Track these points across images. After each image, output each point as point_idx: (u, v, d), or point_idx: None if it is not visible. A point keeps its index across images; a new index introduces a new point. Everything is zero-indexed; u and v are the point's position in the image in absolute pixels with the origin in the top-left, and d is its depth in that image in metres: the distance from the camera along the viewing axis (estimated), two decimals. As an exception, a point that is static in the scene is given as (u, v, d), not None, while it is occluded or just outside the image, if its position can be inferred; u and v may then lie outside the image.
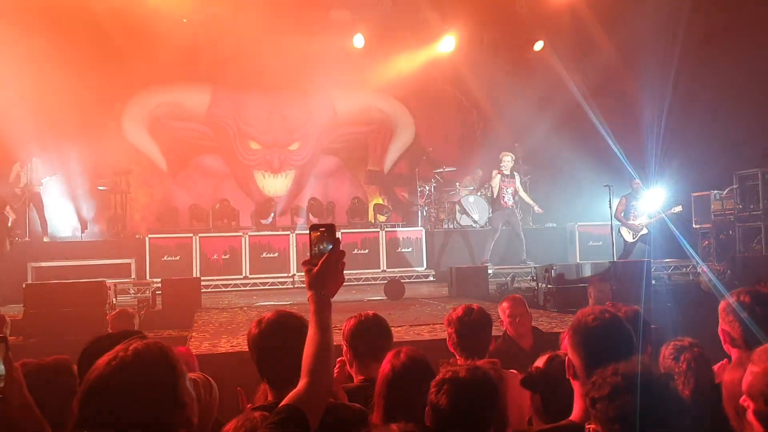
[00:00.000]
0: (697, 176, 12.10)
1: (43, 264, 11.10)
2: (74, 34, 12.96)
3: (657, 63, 12.45)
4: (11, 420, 2.12)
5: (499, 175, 12.15)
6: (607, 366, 1.95)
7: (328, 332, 1.94)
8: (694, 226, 12.05)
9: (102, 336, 2.42)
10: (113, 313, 5.78)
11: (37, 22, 12.31)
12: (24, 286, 7.72)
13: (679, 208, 11.49)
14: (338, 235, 2.05)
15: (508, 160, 12.20)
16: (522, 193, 12.57)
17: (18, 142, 12.33)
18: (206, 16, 13.95)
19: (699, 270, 10.51)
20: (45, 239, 12.12)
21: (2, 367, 2.08)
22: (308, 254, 1.99)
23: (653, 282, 9.16)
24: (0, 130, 12.43)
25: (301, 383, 1.90)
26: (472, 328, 3.51)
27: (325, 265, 1.95)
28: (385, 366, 2.59)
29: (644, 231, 11.63)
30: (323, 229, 2.00)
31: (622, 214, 11.66)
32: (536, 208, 12.70)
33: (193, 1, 13.70)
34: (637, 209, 11.62)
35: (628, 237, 11.75)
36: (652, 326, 5.07)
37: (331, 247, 1.97)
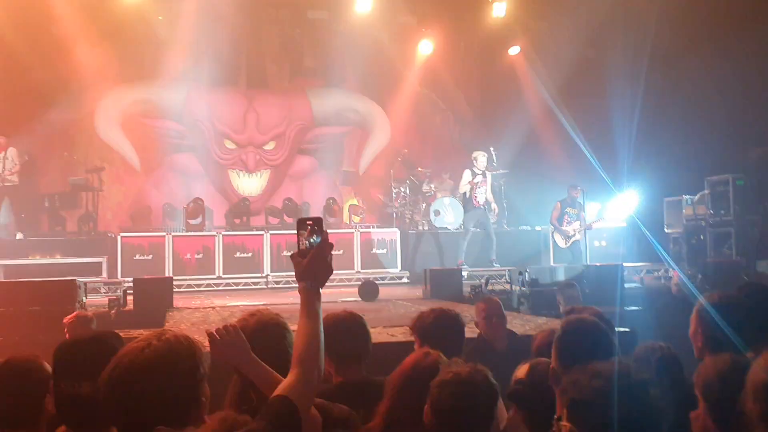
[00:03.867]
0: (670, 181, 12.26)
1: (12, 262, 10.91)
2: (47, 26, 12.77)
3: (629, 67, 12.59)
4: None
5: (468, 171, 12.14)
6: (585, 365, 1.95)
7: (317, 322, 2.01)
8: (665, 230, 12.21)
9: (80, 338, 2.39)
10: (70, 317, 5.50)
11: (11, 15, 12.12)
12: (-9, 284, 7.58)
13: (602, 221, 11.95)
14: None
15: (481, 159, 12.22)
16: (489, 194, 12.56)
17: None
18: (182, 13, 13.83)
19: (670, 274, 10.66)
20: (18, 236, 11.87)
21: None
22: (297, 247, 2.05)
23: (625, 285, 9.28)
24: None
25: (292, 374, 1.94)
26: (436, 334, 3.39)
27: (314, 257, 2.02)
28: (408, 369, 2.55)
29: (577, 237, 11.93)
30: (311, 222, 2.07)
31: (556, 220, 11.92)
32: (493, 206, 12.72)
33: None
34: (570, 216, 11.93)
35: (561, 243, 12.08)
36: (626, 329, 5.15)
37: (319, 239, 2.03)
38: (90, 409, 1.99)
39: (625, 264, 9.89)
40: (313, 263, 2.02)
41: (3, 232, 11.91)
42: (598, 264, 10.33)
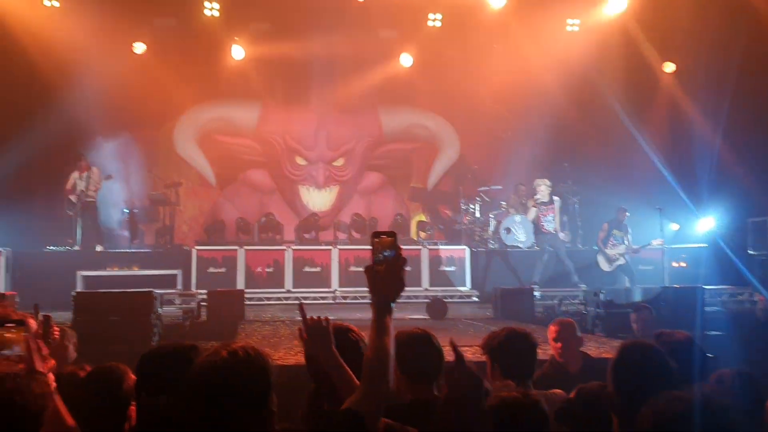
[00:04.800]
0: (754, 201, 11.73)
1: (92, 273, 11.32)
2: (128, 47, 13.33)
3: (712, 84, 12.17)
4: (29, 396, 2.19)
5: (534, 209, 12.09)
6: (654, 394, 1.90)
7: (388, 337, 1.99)
8: (750, 252, 11.66)
9: (162, 351, 2.45)
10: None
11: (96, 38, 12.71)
12: (73, 294, 7.86)
13: (659, 241, 11.59)
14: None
15: (543, 189, 12.09)
16: (557, 221, 12.35)
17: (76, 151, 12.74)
18: (257, 34, 14.20)
19: (755, 298, 10.18)
20: (98, 248, 12.34)
21: (18, 348, 2.28)
22: (371, 261, 2.05)
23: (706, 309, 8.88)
24: (60, 139, 12.87)
25: (360, 388, 1.96)
26: (507, 354, 3.32)
27: (388, 272, 2.01)
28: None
29: (621, 261, 11.80)
30: (385, 236, 2.06)
31: (602, 241, 11.79)
32: (562, 234, 12.56)
33: (244, 19, 13.99)
34: (616, 238, 11.74)
35: (605, 266, 11.88)
36: (708, 355, 4.90)
37: (393, 254, 2.02)
38: (168, 421, 2.02)
39: (705, 287, 9.48)
40: (385, 278, 2.01)
41: (84, 244, 12.41)
42: (676, 286, 9.94)
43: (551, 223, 12.04)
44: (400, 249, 2.04)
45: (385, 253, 2.04)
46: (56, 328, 5.34)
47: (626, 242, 11.81)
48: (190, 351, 2.27)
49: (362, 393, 1.93)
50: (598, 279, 11.72)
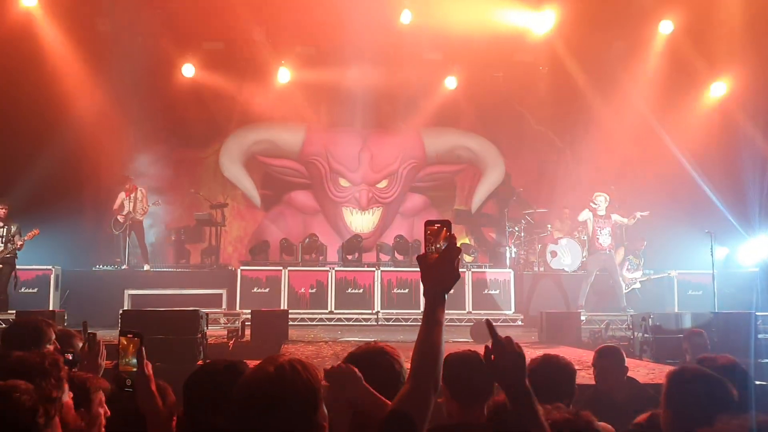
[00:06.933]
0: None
1: (140, 292, 11.55)
2: (175, 73, 13.65)
3: (762, 102, 11.89)
4: (139, 412, 2.31)
5: (589, 213, 11.77)
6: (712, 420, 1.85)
7: (438, 331, 1.92)
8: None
9: (208, 364, 2.49)
10: None
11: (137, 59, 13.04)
12: (120, 312, 8.01)
13: (673, 272, 12.24)
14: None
15: (601, 201, 11.80)
16: (621, 220, 12.12)
17: (123, 172, 13.06)
18: (303, 58, 14.42)
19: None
20: (146, 267, 12.59)
21: (135, 361, 2.39)
22: (423, 249, 1.97)
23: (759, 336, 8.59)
24: (109, 159, 13.21)
25: (407, 385, 1.87)
26: (541, 381, 3.30)
27: (441, 261, 1.92)
28: None
29: (636, 285, 12.22)
30: (439, 224, 1.98)
31: (619, 265, 12.14)
32: (638, 215, 12.28)
33: (290, 43, 14.22)
34: (631, 263, 12.24)
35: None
36: (763, 383, 4.74)
37: (447, 243, 1.94)
38: None
39: (758, 313, 9.17)
40: (438, 267, 1.93)
41: (132, 263, 12.67)
42: (727, 311, 9.64)
43: (607, 237, 11.75)
44: (455, 238, 1.95)
45: (438, 244, 1.96)
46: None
47: (640, 269, 12.36)
48: (238, 367, 2.29)
49: (409, 389, 1.85)
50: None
